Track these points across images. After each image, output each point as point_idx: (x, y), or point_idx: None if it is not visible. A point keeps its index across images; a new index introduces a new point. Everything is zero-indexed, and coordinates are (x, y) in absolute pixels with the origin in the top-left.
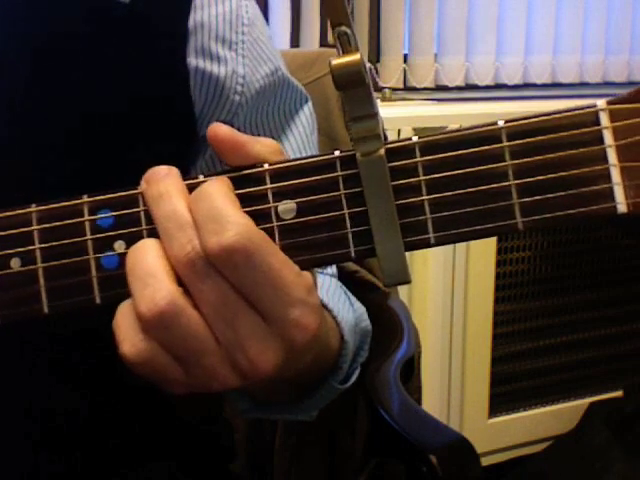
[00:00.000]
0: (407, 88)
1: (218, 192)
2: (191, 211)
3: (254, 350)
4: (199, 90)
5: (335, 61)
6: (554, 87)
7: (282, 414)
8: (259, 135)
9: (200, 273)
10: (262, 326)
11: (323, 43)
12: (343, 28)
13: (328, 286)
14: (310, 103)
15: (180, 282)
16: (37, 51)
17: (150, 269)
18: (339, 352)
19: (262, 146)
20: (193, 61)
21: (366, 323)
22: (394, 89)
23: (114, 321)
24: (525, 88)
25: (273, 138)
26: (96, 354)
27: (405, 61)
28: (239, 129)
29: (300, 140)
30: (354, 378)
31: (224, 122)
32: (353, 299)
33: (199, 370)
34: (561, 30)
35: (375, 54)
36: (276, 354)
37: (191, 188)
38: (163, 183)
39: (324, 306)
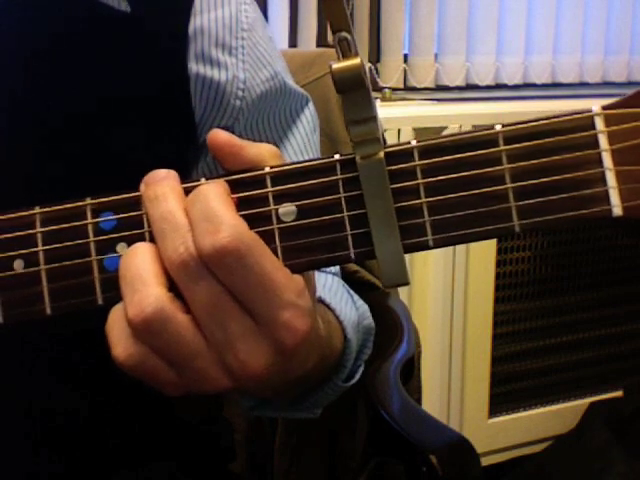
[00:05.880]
0: (407, 88)
1: (213, 194)
2: (187, 213)
3: (244, 351)
4: (200, 96)
5: (336, 65)
6: (554, 87)
7: (286, 412)
8: (260, 140)
9: (192, 274)
10: (252, 328)
11: (321, 43)
12: (343, 34)
13: (330, 285)
14: (311, 104)
15: (173, 285)
16: (37, 52)
17: (140, 274)
18: (342, 351)
19: (260, 149)
20: (194, 67)
21: (369, 321)
22: (394, 89)
23: (107, 323)
24: (525, 88)
25: (274, 141)
26: (96, 354)
27: (405, 61)
28: (240, 134)
29: (301, 141)
30: (358, 375)
31: (225, 128)
32: (356, 297)
33: (191, 372)
34: (561, 30)
35: (375, 54)
36: (266, 356)
37: (190, 191)
38: (160, 185)
39: (326, 305)
